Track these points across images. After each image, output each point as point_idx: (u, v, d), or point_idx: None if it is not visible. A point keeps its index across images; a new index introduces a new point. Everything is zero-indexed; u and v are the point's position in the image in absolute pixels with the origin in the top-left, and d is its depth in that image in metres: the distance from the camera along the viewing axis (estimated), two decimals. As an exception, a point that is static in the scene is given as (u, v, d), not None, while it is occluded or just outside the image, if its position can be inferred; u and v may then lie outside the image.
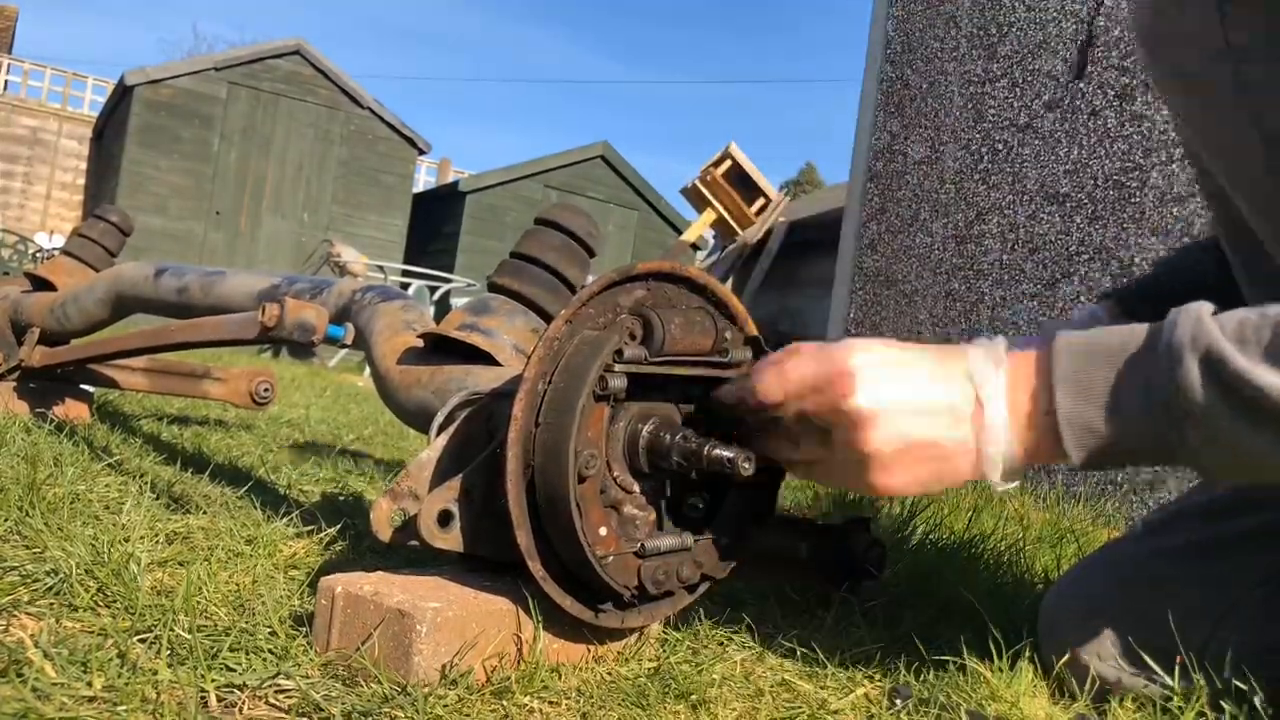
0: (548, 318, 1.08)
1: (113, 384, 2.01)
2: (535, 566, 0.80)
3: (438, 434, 0.87)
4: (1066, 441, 0.72)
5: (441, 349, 1.06)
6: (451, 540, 0.81)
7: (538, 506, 0.80)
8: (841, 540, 1.11)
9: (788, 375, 0.78)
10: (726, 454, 0.81)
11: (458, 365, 1.03)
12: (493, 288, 1.10)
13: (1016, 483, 0.77)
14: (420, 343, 1.09)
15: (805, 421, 0.78)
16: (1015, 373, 0.75)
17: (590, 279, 0.96)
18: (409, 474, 0.84)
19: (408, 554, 1.09)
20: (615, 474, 0.84)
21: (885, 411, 0.74)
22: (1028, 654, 0.88)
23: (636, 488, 0.85)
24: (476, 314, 1.05)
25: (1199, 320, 0.69)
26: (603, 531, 0.81)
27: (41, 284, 1.91)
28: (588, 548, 0.78)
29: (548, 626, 0.83)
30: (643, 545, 0.83)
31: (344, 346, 1.23)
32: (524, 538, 0.80)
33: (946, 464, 0.75)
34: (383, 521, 0.82)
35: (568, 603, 0.81)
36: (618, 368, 0.79)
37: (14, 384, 1.89)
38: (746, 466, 0.80)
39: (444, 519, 0.81)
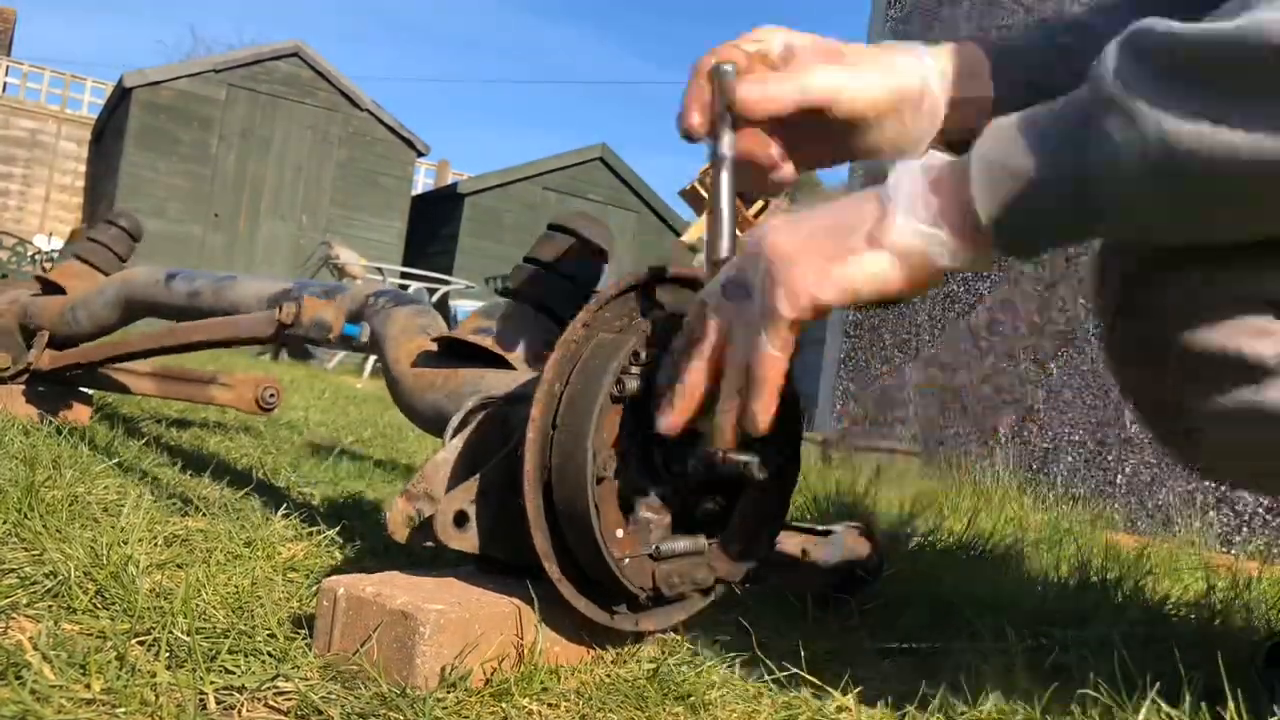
0: (562, 323, 1.08)
1: (121, 389, 2.01)
2: (552, 568, 0.80)
3: (453, 436, 0.87)
4: (975, 183, 0.65)
5: (456, 353, 1.07)
6: (467, 541, 0.81)
7: (554, 508, 0.80)
8: (839, 543, 1.11)
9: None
10: (742, 457, 0.81)
11: (472, 369, 1.03)
12: (506, 293, 1.10)
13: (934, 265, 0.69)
14: (434, 346, 1.09)
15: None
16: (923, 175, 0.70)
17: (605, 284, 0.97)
18: (424, 475, 0.84)
19: (408, 556, 1.09)
20: (631, 476, 0.84)
21: (787, 225, 0.72)
22: (1023, 655, 0.88)
23: (652, 490, 0.85)
24: (491, 318, 1.06)
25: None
26: (619, 533, 0.81)
27: (51, 288, 1.91)
28: (605, 549, 0.78)
29: (551, 628, 0.83)
30: (658, 547, 0.83)
31: (358, 348, 1.23)
32: (541, 539, 0.80)
33: (847, 234, 0.70)
34: (398, 522, 0.83)
35: (583, 604, 0.81)
36: (634, 369, 0.80)
37: (22, 387, 1.89)
38: (762, 471, 0.80)
39: (460, 520, 0.81)
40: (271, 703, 0.70)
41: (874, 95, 0.83)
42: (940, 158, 0.70)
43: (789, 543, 1.12)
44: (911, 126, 0.86)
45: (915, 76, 0.85)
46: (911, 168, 0.70)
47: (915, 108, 0.85)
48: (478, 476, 0.83)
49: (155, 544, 1.04)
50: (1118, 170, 0.61)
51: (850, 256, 0.70)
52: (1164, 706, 0.80)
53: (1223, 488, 2.55)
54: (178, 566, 0.98)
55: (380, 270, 8.97)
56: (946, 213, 0.67)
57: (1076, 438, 2.95)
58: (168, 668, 0.71)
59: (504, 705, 0.74)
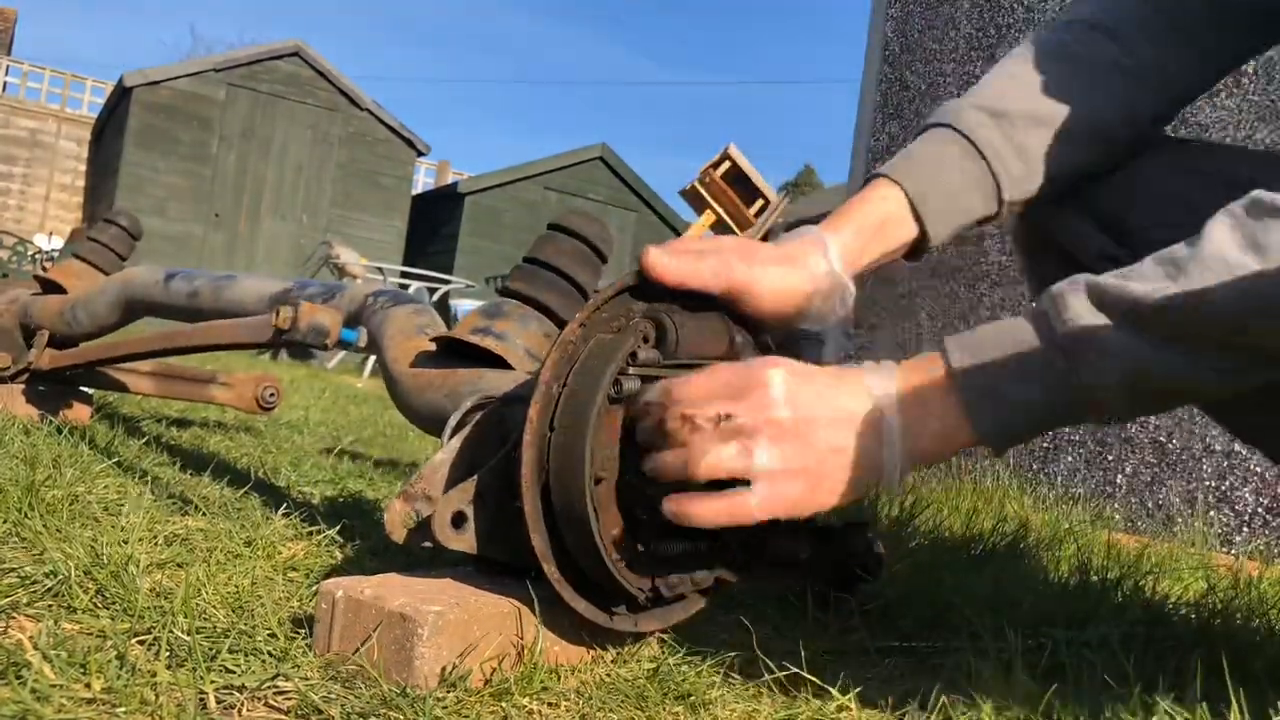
0: (560, 322, 1.08)
1: (121, 387, 2.02)
2: (551, 570, 0.80)
3: (451, 436, 0.87)
4: (970, 410, 0.76)
5: (454, 353, 1.07)
6: (465, 542, 0.81)
7: (552, 509, 0.80)
8: (840, 542, 1.11)
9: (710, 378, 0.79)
10: None
11: (470, 369, 1.03)
12: (505, 292, 1.10)
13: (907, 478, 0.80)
14: (433, 346, 1.09)
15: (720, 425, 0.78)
16: (907, 375, 0.79)
17: (602, 283, 0.96)
18: (422, 476, 0.84)
19: (408, 556, 1.09)
20: (628, 476, 0.83)
21: (803, 418, 0.76)
22: (1022, 656, 0.88)
23: (650, 491, 0.85)
24: (490, 318, 1.06)
25: (1073, 279, 0.76)
26: (616, 533, 0.81)
27: (51, 287, 1.91)
28: (604, 550, 0.78)
29: (550, 628, 0.83)
30: (656, 548, 0.83)
31: (357, 350, 1.23)
32: (539, 541, 0.80)
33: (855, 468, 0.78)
34: (396, 523, 0.83)
35: (582, 606, 0.81)
36: (632, 370, 0.80)
37: (23, 387, 1.89)
38: None
39: (458, 520, 0.81)
40: (272, 702, 0.70)
41: (780, 292, 0.90)
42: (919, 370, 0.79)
43: (787, 540, 1.11)
44: (824, 310, 0.93)
45: (819, 267, 0.92)
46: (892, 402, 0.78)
47: (824, 296, 0.92)
48: (475, 477, 0.83)
49: (155, 543, 1.04)
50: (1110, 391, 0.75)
51: (843, 493, 0.78)
52: (1165, 706, 0.80)
53: (1223, 487, 2.55)
54: (178, 566, 0.98)
55: (380, 270, 8.98)
56: (938, 441, 0.78)
57: (1076, 437, 2.95)
58: (168, 667, 0.71)
59: (504, 705, 0.74)
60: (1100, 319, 0.73)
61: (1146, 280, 0.73)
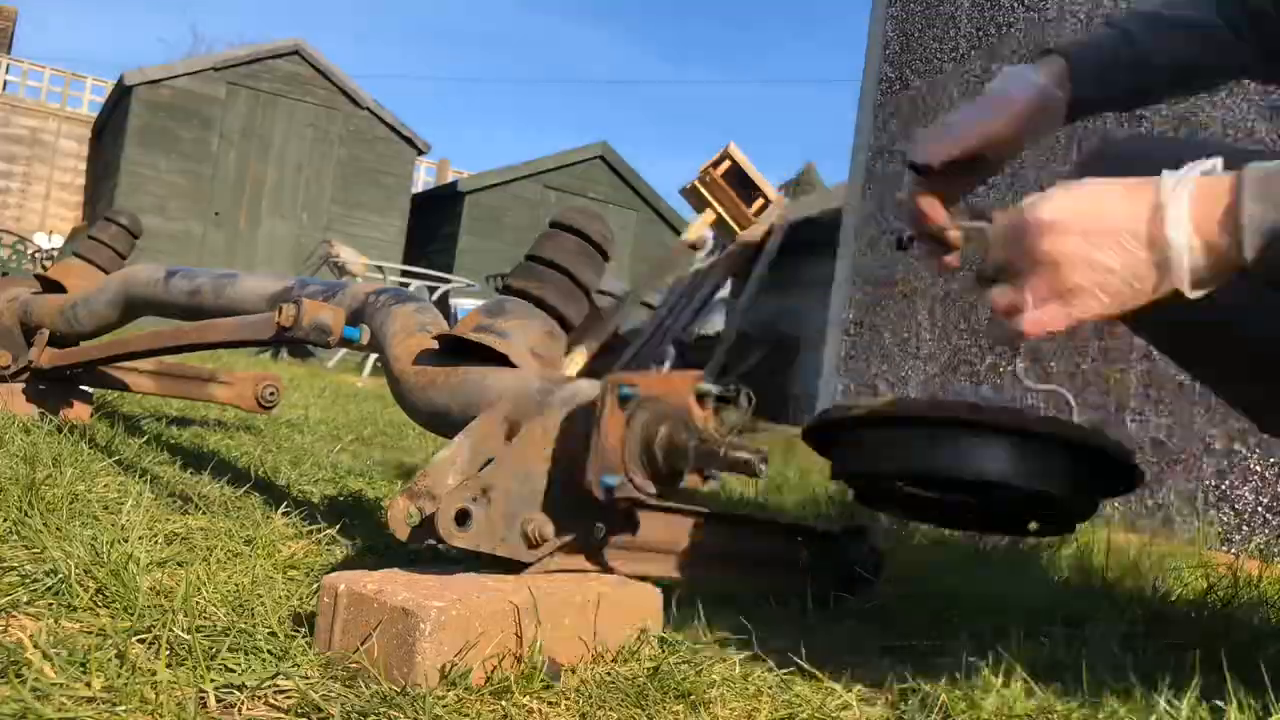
0: (563, 320, 1.08)
1: (121, 386, 2.02)
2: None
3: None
4: (1245, 231, 0.72)
5: (457, 350, 1.07)
6: (469, 539, 0.81)
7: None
8: (840, 546, 1.11)
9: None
10: (744, 456, 0.80)
11: (474, 366, 1.03)
12: (508, 290, 1.10)
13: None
14: (436, 344, 1.09)
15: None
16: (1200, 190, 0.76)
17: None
18: (426, 473, 0.84)
19: (408, 554, 1.09)
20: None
21: (1065, 219, 0.76)
22: (1023, 655, 0.88)
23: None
24: (492, 316, 1.06)
25: None
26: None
27: (52, 286, 1.91)
28: None
29: (552, 626, 0.83)
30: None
31: (360, 348, 1.22)
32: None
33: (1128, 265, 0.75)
34: (399, 520, 0.83)
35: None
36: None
37: (23, 385, 1.89)
38: (763, 468, 0.80)
39: (461, 518, 0.81)
40: (272, 701, 0.70)
41: (1014, 137, 0.97)
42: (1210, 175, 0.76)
43: (788, 543, 1.12)
44: (1043, 132, 1.00)
45: (1034, 92, 0.98)
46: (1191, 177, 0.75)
47: (1037, 123, 0.99)
48: (480, 474, 0.83)
49: (155, 542, 1.04)
50: None
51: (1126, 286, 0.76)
52: (1165, 705, 0.80)
53: (1222, 485, 2.55)
54: (178, 564, 0.98)
55: (381, 268, 8.97)
56: (1219, 255, 0.74)
57: (1077, 437, 2.95)
58: (168, 666, 0.71)
59: (504, 703, 0.74)
60: None
61: None
